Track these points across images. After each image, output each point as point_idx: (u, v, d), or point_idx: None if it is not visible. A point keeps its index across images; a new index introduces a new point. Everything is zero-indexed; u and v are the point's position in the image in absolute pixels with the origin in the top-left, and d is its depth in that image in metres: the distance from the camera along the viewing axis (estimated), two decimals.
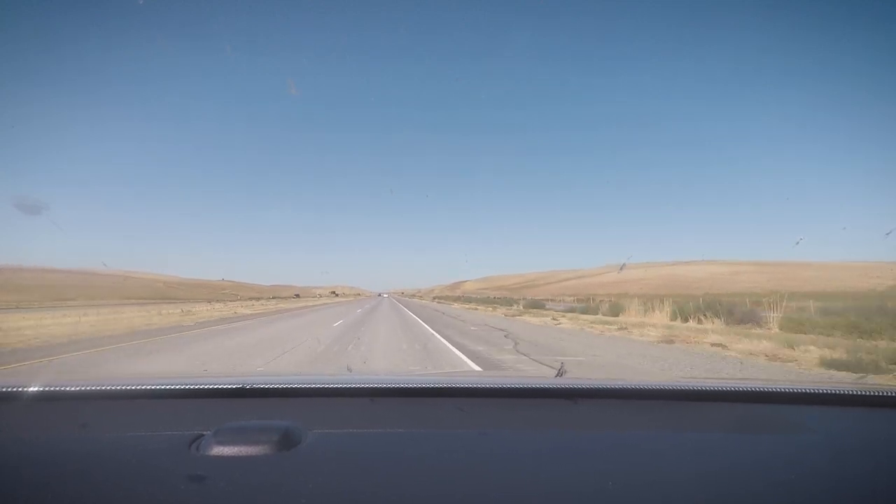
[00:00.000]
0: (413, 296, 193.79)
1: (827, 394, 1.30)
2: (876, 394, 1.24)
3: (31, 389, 1.18)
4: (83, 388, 1.25)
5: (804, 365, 7.85)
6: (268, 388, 1.33)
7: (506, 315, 26.49)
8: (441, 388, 1.32)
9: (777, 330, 13.26)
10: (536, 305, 36.45)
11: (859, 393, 1.26)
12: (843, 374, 7.07)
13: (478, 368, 7.89)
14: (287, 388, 1.32)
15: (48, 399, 1.22)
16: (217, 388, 1.27)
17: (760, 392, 1.35)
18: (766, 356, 8.70)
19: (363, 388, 1.37)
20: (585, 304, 32.45)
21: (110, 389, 1.29)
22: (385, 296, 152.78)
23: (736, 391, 1.38)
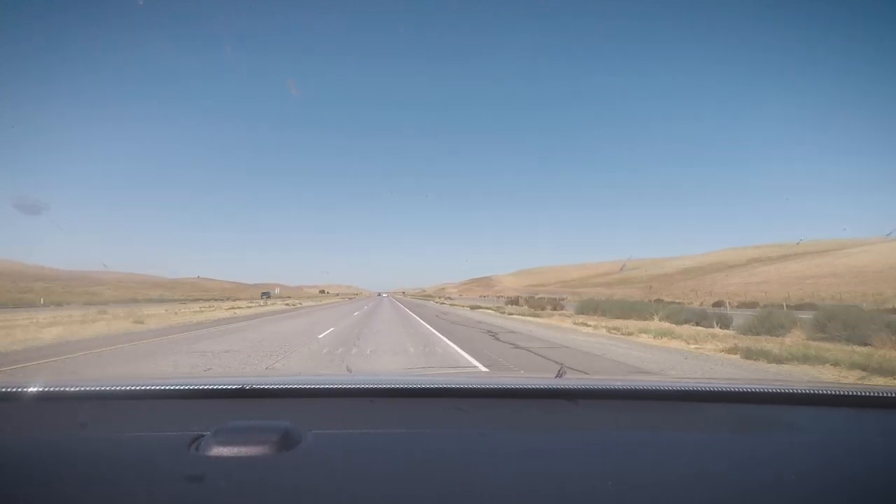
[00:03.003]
0: (424, 296, 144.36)
1: (825, 394, 1.30)
2: (874, 394, 1.24)
3: (31, 390, 1.18)
4: (83, 389, 1.25)
5: None
6: (267, 389, 1.33)
7: None
8: (441, 389, 1.33)
9: None
10: None
11: (857, 394, 1.26)
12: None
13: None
14: (287, 388, 1.33)
15: (48, 399, 1.22)
16: (217, 389, 1.27)
17: (759, 393, 1.36)
18: None
19: (363, 388, 1.37)
20: None
21: (110, 390, 1.29)
22: (385, 296, 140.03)
23: (735, 392, 1.38)
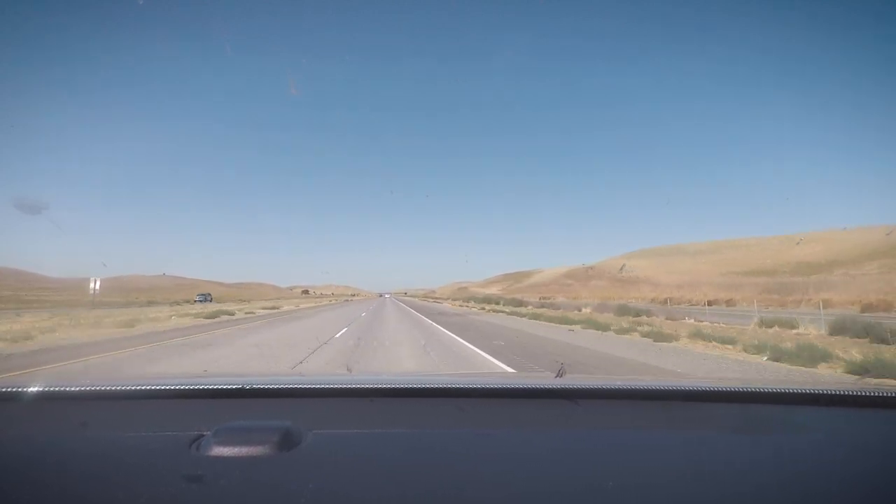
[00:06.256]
0: (468, 300, 70.70)
1: (827, 394, 1.30)
2: (876, 394, 1.24)
3: (31, 390, 1.18)
4: (83, 389, 1.25)
5: None
6: (268, 389, 1.33)
7: None
8: (441, 389, 1.32)
9: None
10: None
11: (859, 393, 1.26)
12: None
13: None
14: (287, 388, 1.33)
15: (48, 399, 1.22)
16: (217, 389, 1.27)
17: (760, 392, 1.35)
18: None
19: (363, 388, 1.37)
20: None
21: (110, 390, 1.29)
22: (387, 296, 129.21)
23: (736, 391, 1.38)
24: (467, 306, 47.20)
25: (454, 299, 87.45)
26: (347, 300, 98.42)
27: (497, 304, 45.53)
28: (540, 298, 69.04)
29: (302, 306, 49.52)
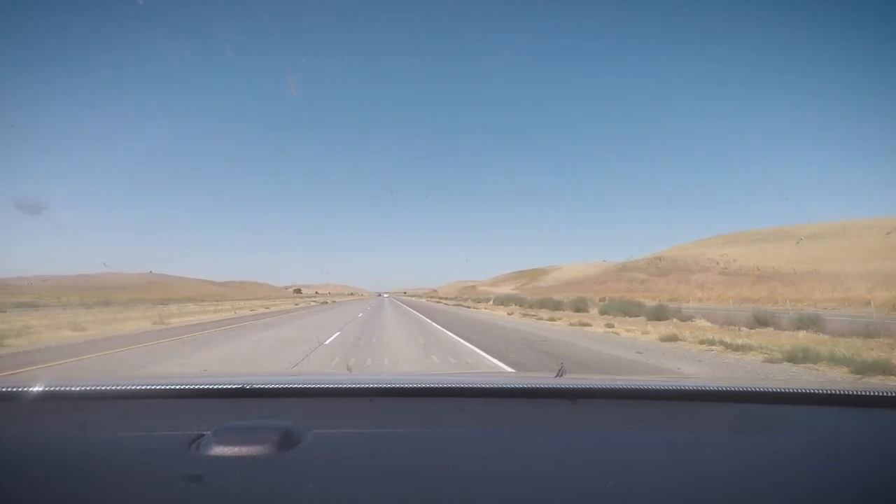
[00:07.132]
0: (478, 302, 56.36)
1: (826, 394, 1.30)
2: (875, 394, 1.24)
3: (31, 389, 1.18)
4: (83, 389, 1.25)
5: None
6: (268, 388, 1.33)
7: None
8: (441, 388, 1.32)
9: None
10: None
11: (859, 393, 1.26)
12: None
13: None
14: (287, 388, 1.33)
15: (48, 399, 1.22)
16: (217, 388, 1.27)
17: (760, 392, 1.35)
18: None
19: (363, 388, 1.37)
20: None
21: (110, 389, 1.29)
22: (386, 296, 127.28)
23: (735, 391, 1.37)
24: (559, 321, 20.84)
25: (476, 300, 67.64)
26: (325, 303, 66.99)
27: (602, 310, 23.74)
28: (600, 300, 40.73)
29: (218, 316, 26.91)
